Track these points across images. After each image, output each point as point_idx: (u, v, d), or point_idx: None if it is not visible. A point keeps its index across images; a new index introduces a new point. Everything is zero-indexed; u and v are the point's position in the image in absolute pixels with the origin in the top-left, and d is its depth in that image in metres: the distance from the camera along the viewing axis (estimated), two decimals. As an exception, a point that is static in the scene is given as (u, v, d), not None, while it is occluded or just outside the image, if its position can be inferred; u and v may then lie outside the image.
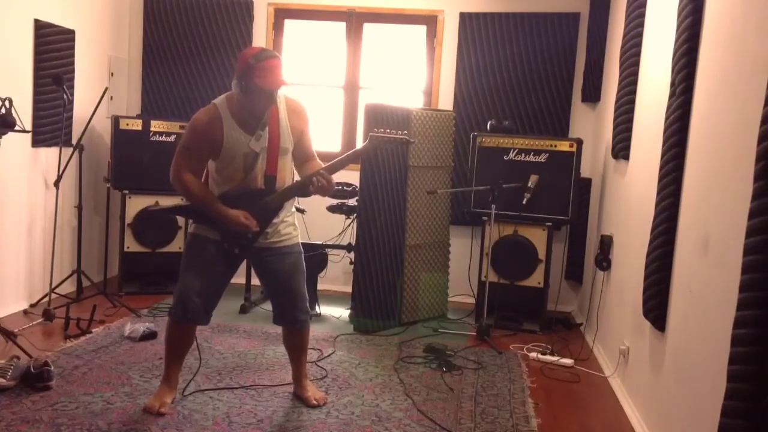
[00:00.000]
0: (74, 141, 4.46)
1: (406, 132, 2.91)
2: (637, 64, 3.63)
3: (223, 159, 2.77)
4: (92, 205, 5.03)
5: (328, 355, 3.70)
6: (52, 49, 4.41)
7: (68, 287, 4.58)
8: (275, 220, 2.87)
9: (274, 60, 2.67)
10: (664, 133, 2.77)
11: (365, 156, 2.93)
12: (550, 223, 4.40)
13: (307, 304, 3.02)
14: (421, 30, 5.26)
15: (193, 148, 2.78)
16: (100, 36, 5.04)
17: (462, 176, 4.99)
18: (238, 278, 3.89)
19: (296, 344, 3.07)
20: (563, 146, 4.44)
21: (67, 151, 4.32)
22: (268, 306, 4.22)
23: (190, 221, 2.97)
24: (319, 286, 4.71)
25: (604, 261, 3.87)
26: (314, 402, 3.00)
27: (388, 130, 2.89)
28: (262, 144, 2.78)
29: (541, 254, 4.41)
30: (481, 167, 4.54)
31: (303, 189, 2.84)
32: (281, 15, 5.37)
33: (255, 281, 4.23)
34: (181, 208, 3.03)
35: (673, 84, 2.73)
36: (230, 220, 2.75)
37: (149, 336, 3.77)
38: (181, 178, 2.77)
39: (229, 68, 5.20)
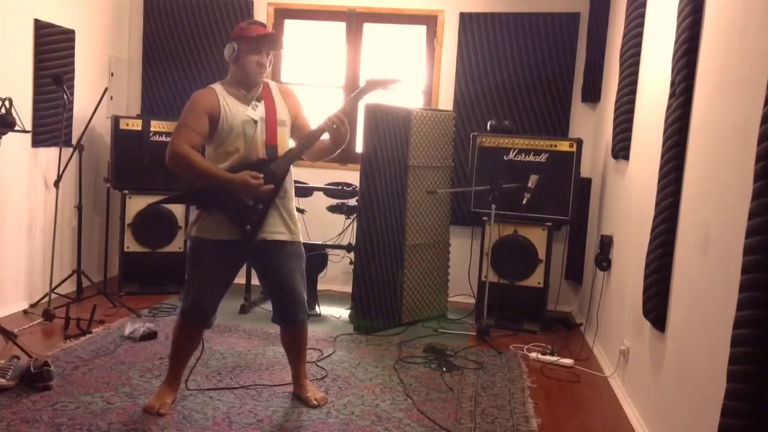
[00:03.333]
0: (74, 141, 4.46)
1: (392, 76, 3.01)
2: (637, 64, 3.63)
3: (222, 130, 2.76)
4: (92, 205, 5.03)
5: (328, 355, 3.70)
6: (52, 49, 4.41)
7: (68, 287, 4.58)
8: (286, 196, 2.86)
9: (264, 26, 2.86)
10: (664, 133, 2.77)
11: (369, 91, 2.93)
12: (550, 223, 4.40)
13: (306, 304, 3.01)
14: (421, 30, 5.26)
15: (190, 124, 2.73)
16: (100, 36, 5.04)
17: (462, 176, 4.99)
18: (238, 278, 3.89)
19: (294, 345, 3.07)
20: (563, 146, 4.44)
21: (67, 151, 4.32)
22: (268, 306, 4.22)
23: (190, 222, 2.95)
24: (319, 286, 4.71)
25: (604, 261, 3.87)
26: (314, 402, 3.00)
27: (383, 78, 2.95)
28: (260, 114, 2.82)
29: (541, 254, 4.41)
30: (481, 167, 4.54)
31: (312, 141, 2.82)
32: (281, 15, 5.37)
33: (255, 281, 4.23)
34: (185, 195, 3.00)
35: (673, 84, 2.73)
36: (236, 183, 2.68)
37: (149, 336, 3.77)
38: (180, 150, 2.67)
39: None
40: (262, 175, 2.72)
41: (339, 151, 2.95)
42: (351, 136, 2.99)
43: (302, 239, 3.00)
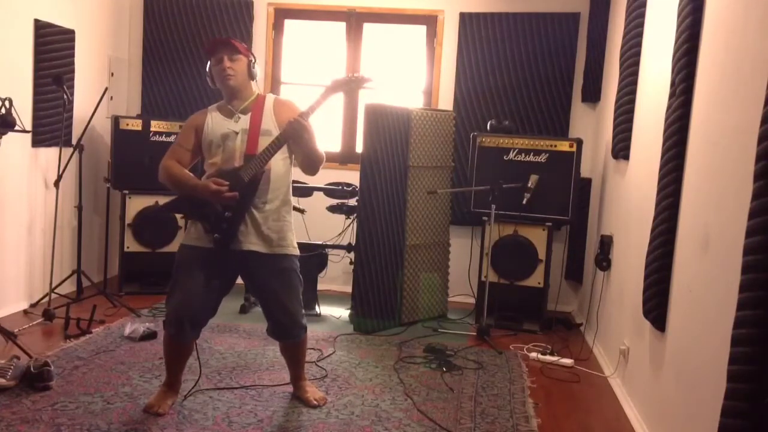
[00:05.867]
0: (74, 141, 4.46)
1: (361, 74, 2.91)
2: (637, 64, 3.63)
3: (204, 143, 2.85)
4: (92, 205, 5.03)
5: (328, 355, 3.70)
6: (52, 49, 4.41)
7: (68, 287, 4.58)
8: (267, 207, 2.77)
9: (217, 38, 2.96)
10: (664, 133, 2.77)
11: (334, 92, 2.84)
12: (550, 223, 4.40)
13: (302, 319, 2.94)
14: (421, 30, 5.26)
15: (179, 140, 2.92)
16: (100, 36, 5.04)
17: (462, 176, 4.99)
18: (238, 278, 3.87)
19: (293, 355, 3.06)
20: (563, 146, 4.44)
21: (67, 151, 4.32)
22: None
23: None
24: (319, 286, 4.71)
25: (604, 261, 3.87)
26: (314, 402, 3.00)
27: (350, 75, 2.88)
28: (242, 125, 2.80)
29: (541, 254, 4.41)
30: (481, 167, 4.54)
31: (277, 147, 2.73)
32: (281, 15, 5.37)
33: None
34: (172, 204, 2.99)
35: (673, 84, 2.73)
36: (200, 191, 2.72)
37: (149, 336, 3.77)
38: (163, 163, 2.85)
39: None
40: (226, 182, 2.70)
41: (313, 158, 2.85)
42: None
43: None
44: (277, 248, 2.83)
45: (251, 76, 2.89)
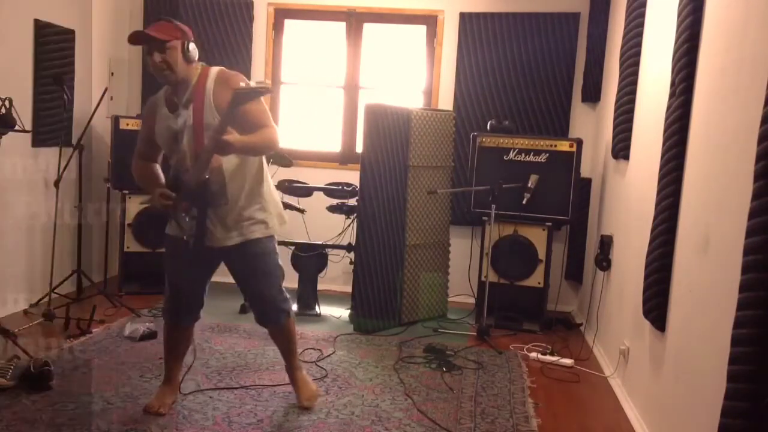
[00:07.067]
0: (74, 141, 4.46)
1: (263, 81, 2.66)
2: (637, 64, 3.63)
3: (158, 140, 2.73)
4: (92, 205, 5.03)
5: (328, 355, 3.70)
6: (52, 49, 4.41)
7: (68, 287, 4.58)
8: (229, 204, 2.67)
9: (146, 28, 2.66)
10: (664, 133, 2.77)
11: (237, 106, 2.44)
12: (550, 223, 4.41)
13: (283, 304, 2.89)
14: (421, 30, 5.26)
15: (142, 134, 2.83)
16: (100, 36, 5.04)
17: (462, 176, 4.99)
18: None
19: (279, 340, 3.04)
20: (563, 146, 4.44)
21: (67, 151, 4.32)
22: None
23: None
24: (319, 286, 4.71)
25: (604, 261, 3.87)
26: (305, 403, 2.98)
27: (251, 83, 2.59)
28: (186, 120, 2.60)
29: (541, 254, 4.41)
30: (481, 167, 4.54)
31: (206, 155, 2.53)
32: (281, 15, 5.37)
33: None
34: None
35: (673, 84, 2.73)
36: (154, 200, 2.66)
37: (149, 336, 3.77)
38: (132, 164, 2.84)
39: (229, 68, 5.19)
40: (172, 193, 2.61)
41: (259, 153, 2.70)
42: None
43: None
44: (248, 234, 2.72)
45: (188, 60, 2.59)
